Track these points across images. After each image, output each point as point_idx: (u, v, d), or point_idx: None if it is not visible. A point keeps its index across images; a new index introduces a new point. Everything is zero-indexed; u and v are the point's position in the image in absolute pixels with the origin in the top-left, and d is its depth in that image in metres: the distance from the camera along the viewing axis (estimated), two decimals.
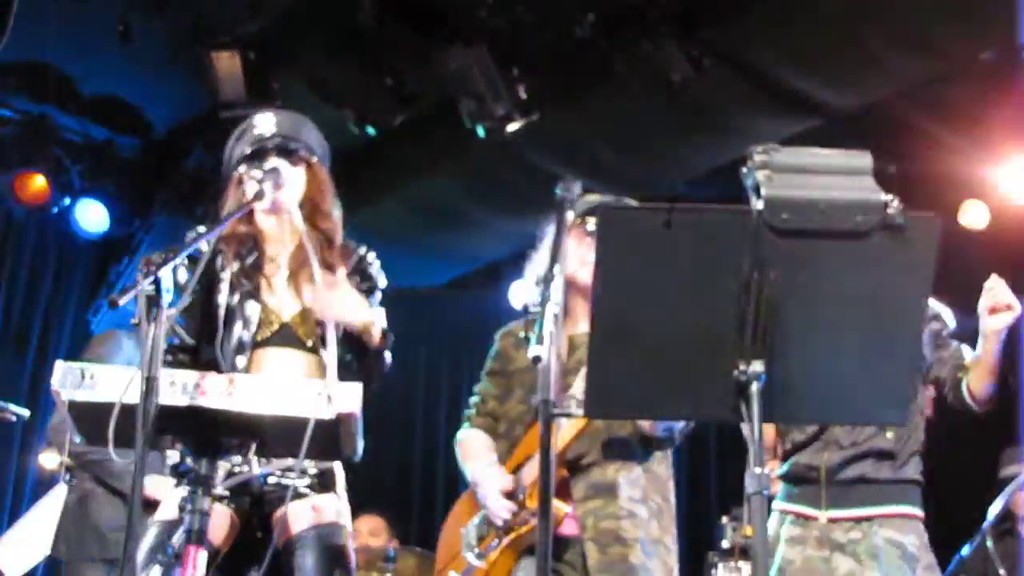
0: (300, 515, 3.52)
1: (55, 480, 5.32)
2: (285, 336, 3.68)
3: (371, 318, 3.56)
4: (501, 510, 3.96)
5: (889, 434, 4.08)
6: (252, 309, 3.68)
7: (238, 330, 3.68)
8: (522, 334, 4.20)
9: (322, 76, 6.97)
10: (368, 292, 3.75)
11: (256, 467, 3.44)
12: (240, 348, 3.63)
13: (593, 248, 3.93)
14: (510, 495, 3.98)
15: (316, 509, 3.52)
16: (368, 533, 7.13)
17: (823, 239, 2.37)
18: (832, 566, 4.01)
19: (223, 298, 3.70)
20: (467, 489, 4.27)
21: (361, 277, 3.79)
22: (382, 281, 3.83)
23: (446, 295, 9.26)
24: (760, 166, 2.39)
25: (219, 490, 3.25)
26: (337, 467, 3.67)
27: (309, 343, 3.65)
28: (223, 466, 3.37)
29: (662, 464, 4.05)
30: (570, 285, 3.87)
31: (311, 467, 3.54)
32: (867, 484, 4.06)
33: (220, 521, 3.50)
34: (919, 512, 4.07)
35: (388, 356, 3.67)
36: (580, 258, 3.96)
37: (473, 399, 4.37)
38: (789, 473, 4.22)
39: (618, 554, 3.81)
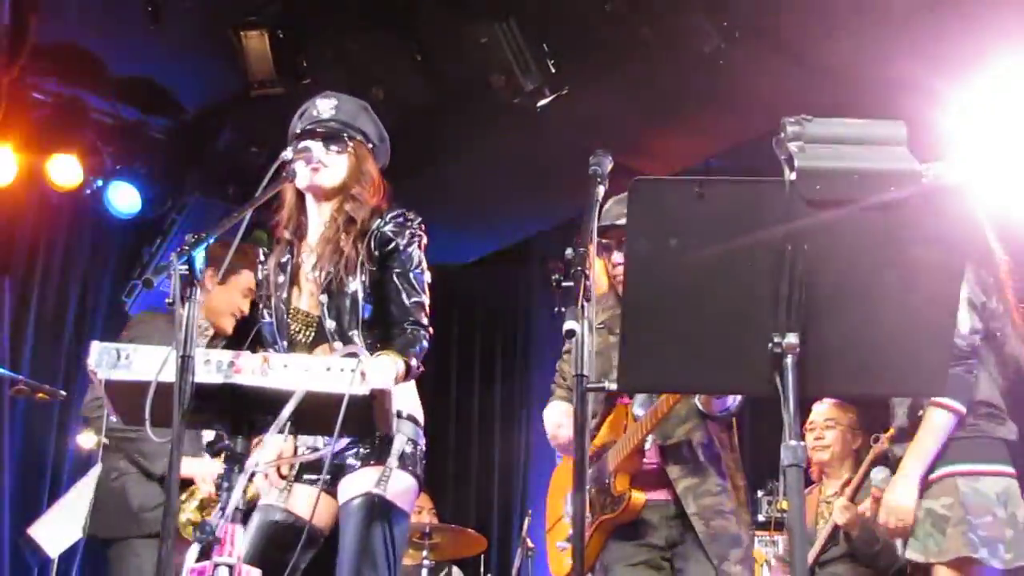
0: (348, 487, 3.55)
1: (92, 460, 5.36)
2: (322, 334, 3.69)
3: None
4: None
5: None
6: (285, 318, 3.72)
7: (274, 340, 3.73)
8: (594, 320, 4.22)
9: (351, 53, 6.97)
10: (398, 275, 3.74)
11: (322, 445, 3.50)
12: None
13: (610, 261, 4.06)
14: (596, 479, 4.19)
15: (362, 480, 3.53)
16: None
17: (857, 209, 2.35)
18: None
19: (264, 316, 3.76)
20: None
21: (390, 250, 3.74)
22: (413, 258, 3.75)
23: (478, 272, 9.25)
24: (793, 137, 2.38)
25: (286, 471, 3.32)
26: (399, 439, 3.60)
27: (331, 330, 3.66)
28: (287, 445, 3.43)
29: (733, 436, 4.26)
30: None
31: (367, 440, 3.56)
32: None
33: (304, 499, 3.58)
34: (960, 467, 3.97)
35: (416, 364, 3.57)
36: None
37: (557, 375, 4.59)
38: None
39: (721, 527, 4.04)
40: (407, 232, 3.76)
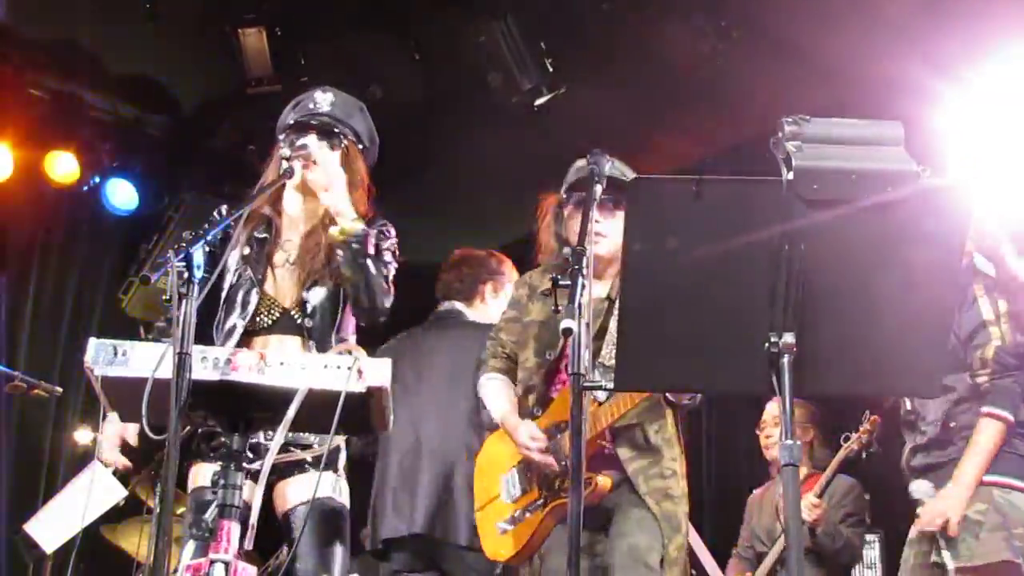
0: (299, 489, 3.58)
1: (88, 456, 5.36)
2: (286, 324, 3.72)
3: (347, 209, 3.63)
4: (546, 467, 4.05)
5: (952, 423, 4.12)
6: (252, 297, 3.72)
7: (234, 317, 3.72)
8: (539, 286, 4.32)
9: (348, 51, 6.96)
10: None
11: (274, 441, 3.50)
12: (229, 334, 3.68)
13: (578, 219, 4.00)
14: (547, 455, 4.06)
15: (319, 485, 3.55)
16: None
17: (854, 209, 2.35)
18: (931, 559, 4.08)
19: (226, 282, 3.75)
20: (498, 432, 4.37)
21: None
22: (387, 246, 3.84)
23: None
24: (790, 137, 2.38)
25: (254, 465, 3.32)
26: (342, 446, 3.77)
27: (309, 328, 3.69)
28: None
29: (678, 424, 4.19)
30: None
31: (317, 443, 3.61)
32: (932, 471, 4.14)
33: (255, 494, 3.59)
34: (997, 479, 4.00)
35: (374, 268, 3.67)
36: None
37: (490, 343, 4.45)
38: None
39: (671, 510, 3.99)
40: (389, 242, 3.85)
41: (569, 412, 2.87)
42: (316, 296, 3.74)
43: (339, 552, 3.58)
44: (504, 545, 4.20)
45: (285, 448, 3.55)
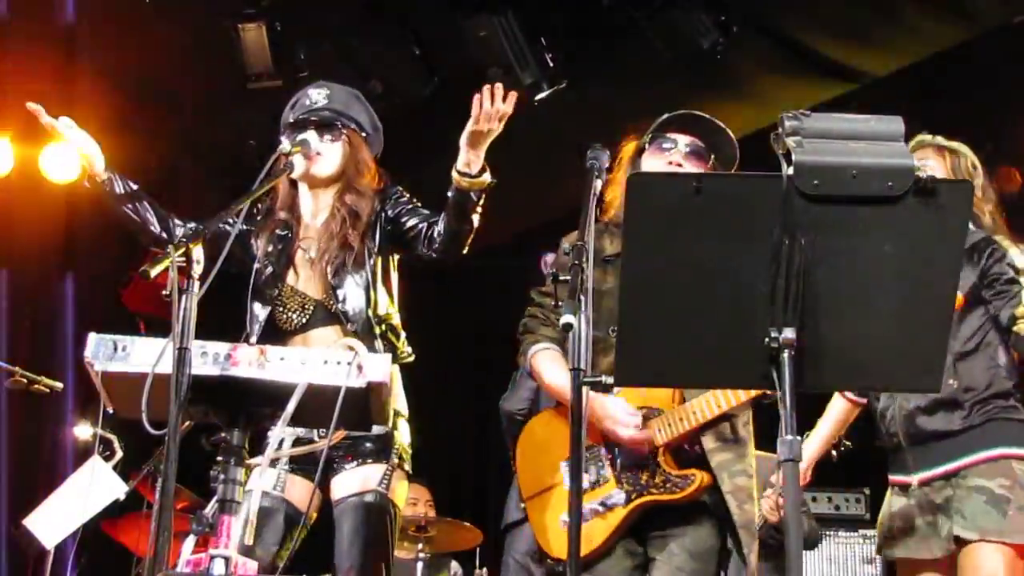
0: (345, 482, 3.61)
1: (89, 452, 5.36)
2: (322, 316, 3.75)
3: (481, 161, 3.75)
4: (637, 448, 3.72)
5: (952, 380, 3.92)
6: (281, 293, 3.76)
7: (264, 311, 3.76)
8: (602, 250, 3.89)
9: (348, 46, 6.96)
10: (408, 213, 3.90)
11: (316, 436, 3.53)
12: (278, 336, 3.71)
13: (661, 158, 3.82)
14: (628, 452, 3.76)
15: (362, 477, 3.60)
16: (408, 502, 7.20)
17: (854, 205, 2.35)
18: (938, 529, 3.91)
19: (252, 278, 3.79)
20: (547, 406, 4.17)
21: (393, 213, 3.86)
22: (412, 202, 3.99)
23: (476, 264, 9.23)
24: (790, 132, 2.37)
25: (284, 460, 3.36)
26: (399, 435, 3.77)
27: (345, 312, 3.72)
28: (288, 434, 3.46)
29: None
30: None
31: (367, 435, 3.63)
32: (943, 439, 3.94)
33: (301, 489, 3.68)
34: (1014, 451, 3.88)
35: (472, 224, 3.85)
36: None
37: (533, 309, 4.04)
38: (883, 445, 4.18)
39: (750, 513, 3.67)
40: (407, 202, 4.00)
41: (572, 406, 2.78)
42: (345, 281, 3.78)
43: (375, 549, 3.60)
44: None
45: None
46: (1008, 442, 3.90)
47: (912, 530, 3.99)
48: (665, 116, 3.95)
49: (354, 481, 3.62)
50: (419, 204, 3.97)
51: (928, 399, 3.98)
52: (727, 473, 3.66)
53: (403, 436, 3.79)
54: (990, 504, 3.79)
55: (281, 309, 3.79)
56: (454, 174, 3.71)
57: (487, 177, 3.73)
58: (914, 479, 4.01)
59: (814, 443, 4.50)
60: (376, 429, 3.55)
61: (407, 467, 3.78)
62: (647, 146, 3.97)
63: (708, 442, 3.69)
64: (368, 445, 3.68)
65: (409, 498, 7.19)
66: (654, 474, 3.72)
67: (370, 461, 3.68)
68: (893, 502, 4.10)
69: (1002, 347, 3.98)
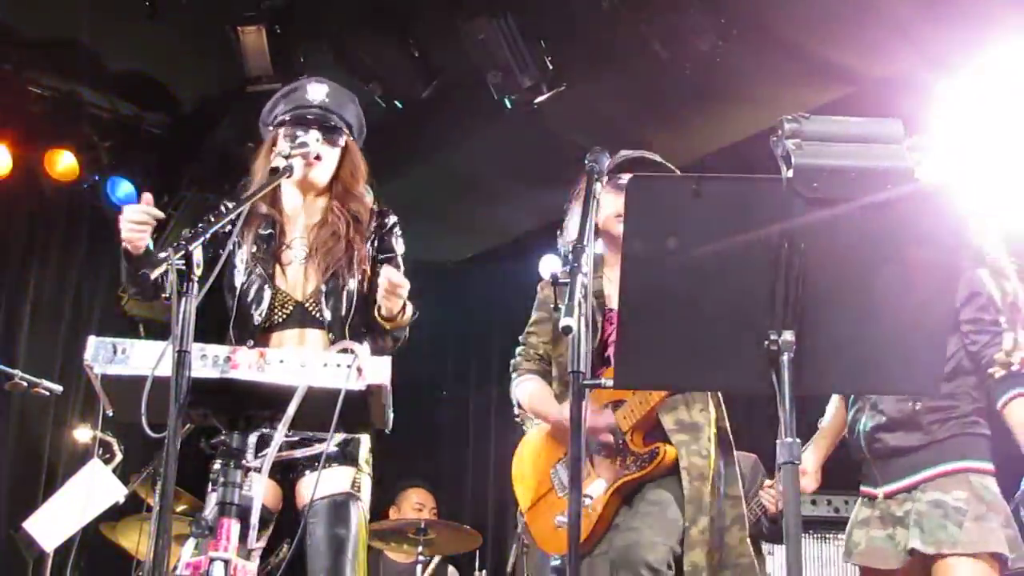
0: (313, 485, 3.60)
1: (88, 455, 5.35)
2: (301, 317, 3.73)
3: (409, 309, 3.70)
4: (607, 435, 4.09)
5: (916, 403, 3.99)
6: (265, 293, 3.74)
7: (250, 313, 3.74)
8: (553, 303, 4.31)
9: (348, 49, 6.96)
10: (386, 261, 3.80)
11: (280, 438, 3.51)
12: (251, 332, 3.69)
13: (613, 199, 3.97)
14: (603, 444, 4.11)
15: (331, 480, 3.59)
16: (412, 506, 7.23)
17: (853, 207, 2.35)
18: (896, 542, 3.96)
19: (238, 280, 3.76)
20: (534, 431, 4.41)
21: (380, 244, 3.85)
22: (400, 248, 3.94)
23: (474, 268, 9.24)
24: (790, 135, 2.38)
25: (255, 462, 3.33)
26: (364, 440, 3.76)
27: (327, 320, 3.70)
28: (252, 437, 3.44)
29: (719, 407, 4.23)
30: (608, 237, 4.18)
31: (335, 438, 3.62)
32: (904, 455, 4.00)
33: (269, 489, 3.65)
34: (972, 464, 3.92)
35: (402, 336, 3.80)
36: (616, 210, 4.09)
37: (520, 349, 4.45)
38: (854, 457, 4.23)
39: (698, 490, 3.98)
40: (400, 242, 3.96)
41: (572, 408, 2.86)
42: (336, 286, 3.77)
43: (349, 551, 3.59)
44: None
45: (306, 442, 3.63)
46: (967, 455, 3.95)
47: (872, 540, 4.05)
48: (620, 157, 4.28)
49: (324, 484, 3.60)
50: (400, 252, 3.95)
51: (889, 418, 4.04)
52: (685, 450, 4.03)
53: (366, 441, 3.81)
54: (945, 518, 3.83)
55: (258, 306, 3.75)
56: (377, 317, 3.71)
57: (408, 314, 3.72)
58: (880, 492, 4.07)
59: (819, 446, 4.48)
60: (338, 436, 3.60)
61: (371, 470, 3.80)
62: (603, 184, 4.11)
63: (667, 423, 4.07)
64: (334, 449, 3.67)
65: (415, 503, 7.25)
66: (625, 457, 4.10)
67: (336, 464, 3.68)
68: (859, 512, 4.17)
69: (975, 376, 4.01)
